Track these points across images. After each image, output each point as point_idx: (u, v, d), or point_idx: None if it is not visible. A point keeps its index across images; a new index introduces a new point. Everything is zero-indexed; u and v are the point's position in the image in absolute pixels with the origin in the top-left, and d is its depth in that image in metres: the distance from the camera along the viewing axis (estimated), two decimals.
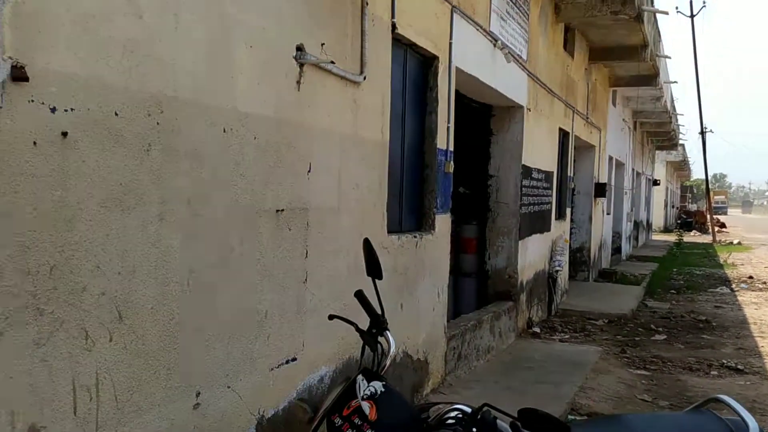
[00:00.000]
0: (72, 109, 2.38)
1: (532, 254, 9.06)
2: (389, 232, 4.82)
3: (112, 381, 2.57)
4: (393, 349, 2.41)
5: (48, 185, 2.30)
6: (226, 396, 3.20)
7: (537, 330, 8.90)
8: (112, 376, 2.57)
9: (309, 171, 3.79)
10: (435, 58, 5.57)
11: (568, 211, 11.84)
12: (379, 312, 2.49)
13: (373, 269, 2.48)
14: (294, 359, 3.73)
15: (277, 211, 3.54)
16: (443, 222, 5.86)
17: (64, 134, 2.35)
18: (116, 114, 2.55)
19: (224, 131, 3.12)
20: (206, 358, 3.06)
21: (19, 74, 2.18)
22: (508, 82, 7.45)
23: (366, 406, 2.15)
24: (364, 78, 4.32)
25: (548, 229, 9.98)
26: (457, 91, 6.18)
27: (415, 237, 5.31)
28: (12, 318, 2.19)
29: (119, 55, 2.56)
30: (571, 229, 12.47)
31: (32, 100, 2.24)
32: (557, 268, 10.24)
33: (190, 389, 2.98)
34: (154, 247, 2.75)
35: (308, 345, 3.85)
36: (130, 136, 2.62)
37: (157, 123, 2.75)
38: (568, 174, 11.45)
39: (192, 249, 2.95)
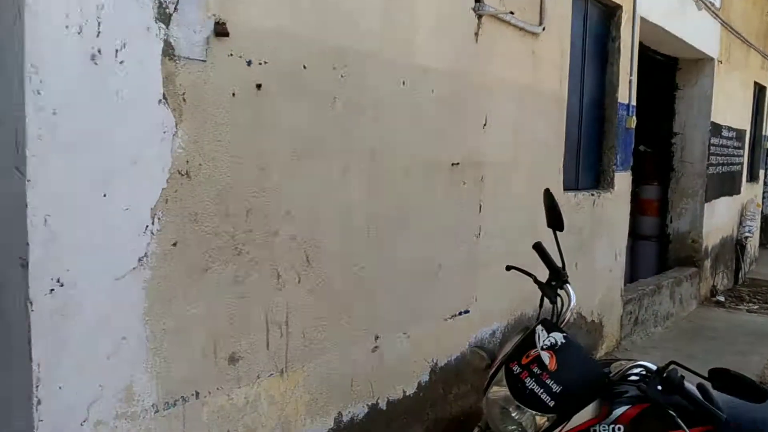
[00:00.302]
0: (265, 62, 2.51)
1: (719, 218, 8.45)
2: (565, 189, 4.69)
3: (300, 320, 2.74)
4: (573, 301, 2.36)
5: (244, 134, 2.46)
6: (402, 342, 3.31)
7: (721, 299, 8.32)
8: (300, 315, 2.74)
9: (485, 124, 3.76)
10: (618, 7, 5.27)
11: (762, 173, 10.87)
12: (560, 264, 2.44)
13: (554, 220, 2.42)
14: (467, 311, 3.77)
15: (453, 164, 3.55)
16: (623, 180, 5.60)
17: (258, 86, 2.50)
18: (304, 67, 2.67)
19: (403, 84, 3.17)
20: (384, 304, 3.17)
21: (221, 30, 2.33)
22: (697, 32, 6.90)
23: (546, 356, 2.12)
24: (543, 29, 4.19)
25: (738, 192, 9.23)
26: (640, 43, 5.83)
27: (592, 195, 5.13)
28: (214, 256, 2.39)
29: (308, 9, 2.66)
30: (763, 193, 11.45)
31: (231, 54, 2.39)
32: (747, 234, 9.47)
33: (370, 333, 3.11)
34: (338, 196, 2.87)
35: (481, 299, 3.86)
36: (317, 88, 2.73)
37: (341, 76, 2.84)
38: (763, 133, 10.48)
39: (373, 199, 3.04)
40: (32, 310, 1.92)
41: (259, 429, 2.60)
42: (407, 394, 3.37)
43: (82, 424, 2.04)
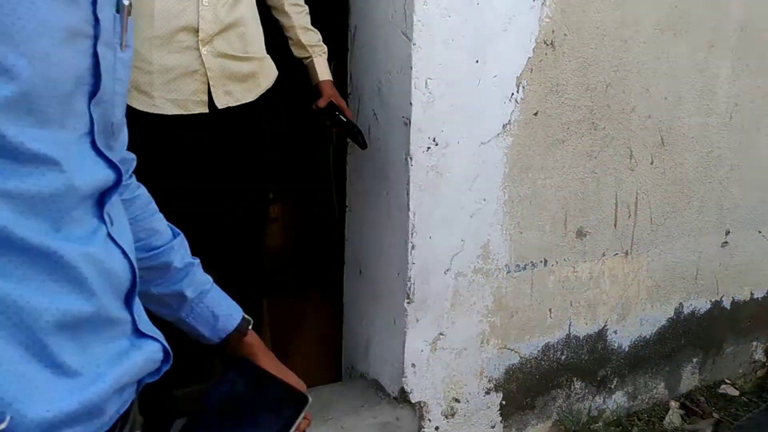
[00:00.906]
0: None
1: None
2: None
3: (648, 203, 2.66)
4: None
5: (610, 5, 2.37)
6: (756, 241, 3.04)
7: None
8: (649, 198, 2.65)
9: None
10: None
11: None
12: None
13: None
14: None
15: None
16: None
17: None
18: None
19: None
20: (738, 197, 2.93)
21: None
22: None
23: None
24: None
25: None
26: None
27: None
28: (572, 129, 2.39)
29: None
30: None
31: None
32: None
33: (720, 226, 2.91)
34: (701, 75, 2.66)
35: None
36: None
37: None
38: None
39: (738, 80, 2.77)
40: (411, 165, 2.12)
41: (600, 305, 2.63)
42: (755, 297, 3.13)
43: (445, 273, 2.25)
